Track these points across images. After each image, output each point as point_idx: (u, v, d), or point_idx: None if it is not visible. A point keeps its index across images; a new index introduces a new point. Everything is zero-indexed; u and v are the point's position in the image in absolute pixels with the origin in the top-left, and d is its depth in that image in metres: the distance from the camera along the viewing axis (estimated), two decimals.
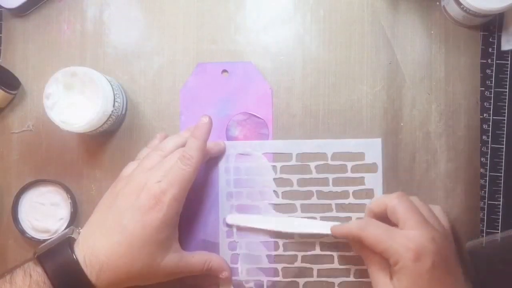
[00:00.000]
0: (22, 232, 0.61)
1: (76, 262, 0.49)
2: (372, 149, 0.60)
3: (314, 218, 0.60)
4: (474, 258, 0.58)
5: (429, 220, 0.51)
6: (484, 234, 0.59)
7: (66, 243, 0.51)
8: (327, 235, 0.57)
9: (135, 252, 0.50)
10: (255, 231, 0.60)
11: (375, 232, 0.50)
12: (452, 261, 0.50)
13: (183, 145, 0.56)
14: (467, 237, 0.59)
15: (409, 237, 0.48)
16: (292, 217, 0.60)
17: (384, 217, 0.52)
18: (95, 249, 0.50)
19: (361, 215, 0.60)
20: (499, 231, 0.59)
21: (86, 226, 0.53)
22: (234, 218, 0.60)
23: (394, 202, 0.51)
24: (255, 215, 0.61)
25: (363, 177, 0.60)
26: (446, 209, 0.59)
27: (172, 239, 0.53)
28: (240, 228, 0.60)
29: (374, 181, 0.60)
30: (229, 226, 0.61)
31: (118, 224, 0.51)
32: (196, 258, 0.56)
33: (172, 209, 0.52)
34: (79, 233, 0.53)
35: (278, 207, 0.61)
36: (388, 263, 0.50)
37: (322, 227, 0.57)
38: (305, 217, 0.60)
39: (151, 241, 0.51)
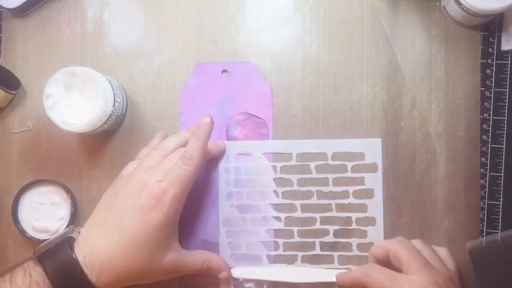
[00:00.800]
0: (22, 232, 0.61)
1: (76, 262, 0.49)
2: (372, 149, 0.60)
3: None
4: (474, 258, 0.58)
5: (433, 263, 0.51)
6: (484, 234, 0.59)
7: (66, 242, 0.51)
8: (332, 283, 0.57)
9: (135, 252, 0.50)
10: (260, 283, 0.60)
11: (378, 278, 0.50)
12: None
13: (184, 145, 0.56)
14: (467, 237, 0.59)
15: (412, 282, 0.48)
16: (296, 267, 0.60)
17: (387, 262, 0.52)
18: (95, 248, 0.50)
19: (361, 215, 0.60)
20: (499, 231, 0.59)
21: (86, 226, 0.53)
22: (239, 272, 0.60)
23: (396, 247, 0.51)
24: (259, 267, 0.60)
25: (363, 177, 0.60)
26: (446, 207, 0.60)
27: (172, 238, 0.53)
28: (246, 280, 0.60)
29: (374, 181, 0.60)
30: (235, 278, 0.60)
31: (118, 224, 0.51)
32: (196, 257, 0.56)
33: (173, 209, 0.52)
34: (79, 233, 0.53)
35: (278, 207, 0.61)
36: None
37: (327, 276, 0.58)
38: (308, 266, 0.60)
39: (152, 240, 0.51)
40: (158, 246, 0.52)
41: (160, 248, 0.52)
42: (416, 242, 0.54)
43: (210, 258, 0.57)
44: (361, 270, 0.52)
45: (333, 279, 0.56)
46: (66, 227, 0.60)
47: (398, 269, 0.51)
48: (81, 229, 0.53)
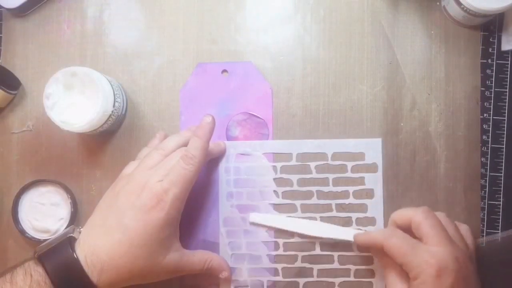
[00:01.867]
0: (22, 232, 0.61)
1: (77, 262, 0.49)
2: (372, 149, 0.60)
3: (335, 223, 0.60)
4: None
5: (454, 239, 0.51)
6: (484, 234, 0.60)
7: (66, 242, 0.51)
8: (349, 241, 0.57)
9: (136, 252, 0.50)
10: (279, 231, 0.60)
11: (399, 243, 0.50)
12: (472, 281, 0.49)
13: (184, 145, 0.55)
14: None
15: (433, 253, 0.48)
16: (314, 221, 0.60)
17: (406, 230, 0.52)
18: (96, 248, 0.50)
19: (361, 215, 0.60)
20: (499, 231, 0.59)
21: (87, 226, 0.53)
22: (257, 217, 0.60)
23: (420, 217, 0.51)
24: (278, 216, 0.60)
25: (363, 177, 0.60)
26: (446, 207, 0.60)
27: (173, 238, 0.53)
28: (264, 227, 0.60)
29: (374, 181, 0.60)
30: (251, 224, 0.60)
31: (119, 224, 0.51)
32: (197, 257, 0.56)
33: (174, 208, 0.52)
34: (79, 232, 0.53)
35: (278, 207, 0.61)
36: (407, 276, 0.49)
37: (346, 234, 0.57)
38: (327, 223, 0.60)
39: (153, 240, 0.51)
40: (159, 245, 0.51)
41: (161, 248, 0.52)
42: (440, 216, 0.53)
43: (211, 258, 0.57)
44: (382, 232, 0.52)
45: (351, 239, 0.56)
46: (66, 227, 0.60)
47: (418, 239, 0.50)
48: (81, 229, 0.53)
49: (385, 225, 0.60)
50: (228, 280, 0.59)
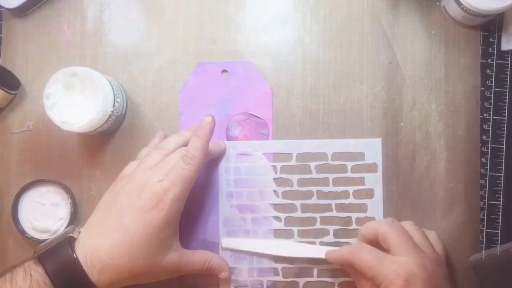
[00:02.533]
0: (22, 232, 0.60)
1: (77, 262, 0.49)
2: (372, 149, 0.60)
3: (312, 242, 0.60)
4: (476, 271, 0.58)
5: (422, 246, 0.51)
6: (484, 234, 0.59)
7: (66, 242, 0.51)
8: (322, 259, 0.57)
9: (136, 251, 0.50)
10: (250, 255, 0.60)
11: (365, 257, 0.50)
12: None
13: (184, 145, 0.55)
14: (467, 237, 0.59)
15: (399, 263, 0.49)
16: (287, 241, 0.60)
17: (376, 243, 0.53)
18: (96, 248, 0.50)
19: (361, 215, 0.60)
20: (499, 231, 0.59)
21: (87, 226, 0.53)
22: (229, 242, 0.60)
23: (385, 229, 0.52)
24: (250, 239, 0.60)
25: (363, 177, 0.60)
26: (446, 207, 0.60)
27: (173, 237, 0.53)
28: (235, 252, 0.60)
29: (374, 181, 0.60)
30: (224, 249, 0.60)
31: (119, 223, 0.51)
32: (197, 257, 0.56)
33: (174, 208, 0.52)
34: (79, 232, 0.53)
35: (278, 207, 0.61)
36: None
37: (317, 251, 0.58)
38: (301, 242, 0.60)
39: (153, 240, 0.51)
40: (159, 245, 0.52)
41: (161, 248, 0.52)
42: (407, 224, 0.54)
43: (210, 258, 0.57)
44: (349, 248, 0.53)
45: (323, 256, 0.57)
46: (66, 227, 0.60)
47: (386, 250, 0.51)
48: (81, 229, 0.53)
49: None
50: (228, 280, 0.59)
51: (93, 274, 0.49)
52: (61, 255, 0.50)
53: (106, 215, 0.52)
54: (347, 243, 0.60)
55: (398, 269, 0.48)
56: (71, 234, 0.52)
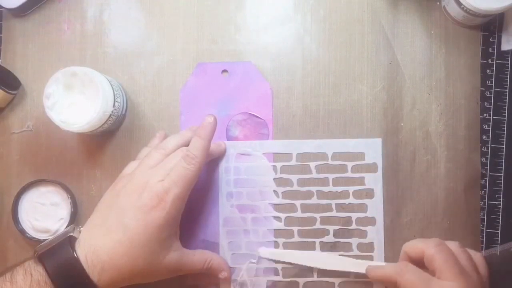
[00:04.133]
0: (22, 232, 0.60)
1: (78, 261, 0.49)
2: (372, 149, 0.60)
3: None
4: None
5: (467, 269, 0.50)
6: (484, 234, 0.60)
7: (67, 242, 0.50)
8: (362, 274, 0.57)
9: (136, 251, 0.50)
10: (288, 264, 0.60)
11: (412, 279, 0.50)
12: None
13: (184, 145, 0.55)
14: (467, 237, 0.59)
15: (446, 287, 0.48)
16: (325, 253, 0.60)
17: (419, 262, 0.52)
18: (96, 248, 0.50)
19: (361, 214, 0.60)
20: (499, 231, 0.59)
21: (87, 225, 0.53)
22: (266, 253, 0.60)
23: (432, 251, 0.50)
24: (288, 250, 0.60)
25: (363, 177, 0.60)
26: (446, 207, 0.60)
27: (173, 237, 0.53)
28: (272, 261, 0.60)
29: (374, 181, 0.60)
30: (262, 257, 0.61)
31: (119, 223, 0.51)
32: (197, 257, 0.56)
33: (175, 208, 0.52)
34: (79, 232, 0.53)
35: (278, 207, 0.61)
36: None
37: (358, 266, 0.57)
38: (338, 254, 0.60)
39: (153, 240, 0.51)
40: (160, 245, 0.51)
41: (161, 248, 0.52)
42: (453, 245, 0.52)
43: (211, 257, 0.57)
44: (395, 268, 0.52)
45: (363, 271, 0.56)
46: (66, 227, 0.60)
47: (430, 272, 0.50)
48: (81, 228, 0.53)
49: (385, 225, 0.60)
50: (227, 280, 0.59)
51: (93, 274, 0.49)
52: (62, 254, 0.49)
53: (107, 215, 0.52)
54: (347, 243, 0.60)
55: None
56: (72, 234, 0.52)
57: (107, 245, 0.50)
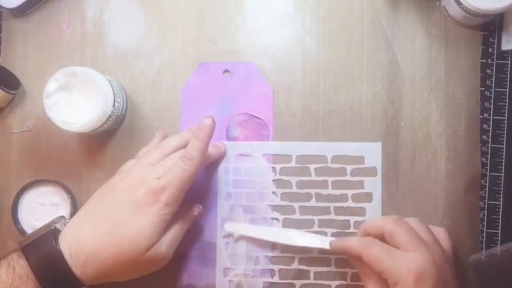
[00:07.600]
0: (22, 232, 0.61)
1: (60, 254, 0.48)
2: (372, 153, 0.60)
3: (311, 232, 0.60)
4: (476, 271, 0.58)
5: (429, 242, 0.51)
6: (484, 234, 0.59)
7: (50, 233, 0.50)
8: (325, 249, 0.56)
9: (123, 243, 0.50)
10: (252, 240, 0.60)
11: (376, 251, 0.50)
12: (451, 284, 0.50)
13: (184, 146, 0.55)
14: (467, 237, 0.59)
15: (411, 258, 0.48)
16: (289, 229, 0.60)
17: (380, 240, 0.52)
18: (82, 239, 0.50)
19: (359, 218, 0.60)
20: (499, 231, 0.59)
21: (76, 216, 0.53)
22: (231, 226, 0.60)
23: (392, 226, 0.51)
24: (252, 225, 0.60)
25: (362, 181, 0.60)
26: (446, 207, 0.60)
27: (161, 235, 0.53)
28: (237, 237, 0.60)
29: (373, 185, 0.60)
30: (227, 235, 0.60)
31: (110, 215, 0.51)
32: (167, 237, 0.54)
33: (169, 207, 0.52)
34: (65, 224, 0.52)
35: (276, 209, 0.61)
36: (386, 283, 0.50)
37: (321, 241, 0.57)
38: (303, 231, 0.60)
39: (142, 235, 0.50)
40: (148, 241, 0.51)
41: (147, 243, 0.51)
42: (413, 221, 0.53)
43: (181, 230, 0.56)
44: (359, 241, 0.52)
45: (326, 246, 0.56)
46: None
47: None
48: (67, 220, 0.53)
49: None
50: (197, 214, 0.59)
51: (76, 267, 0.48)
52: (44, 247, 0.49)
53: (98, 207, 0.52)
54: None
55: (409, 264, 0.48)
56: (56, 225, 0.52)
57: (94, 236, 0.50)
